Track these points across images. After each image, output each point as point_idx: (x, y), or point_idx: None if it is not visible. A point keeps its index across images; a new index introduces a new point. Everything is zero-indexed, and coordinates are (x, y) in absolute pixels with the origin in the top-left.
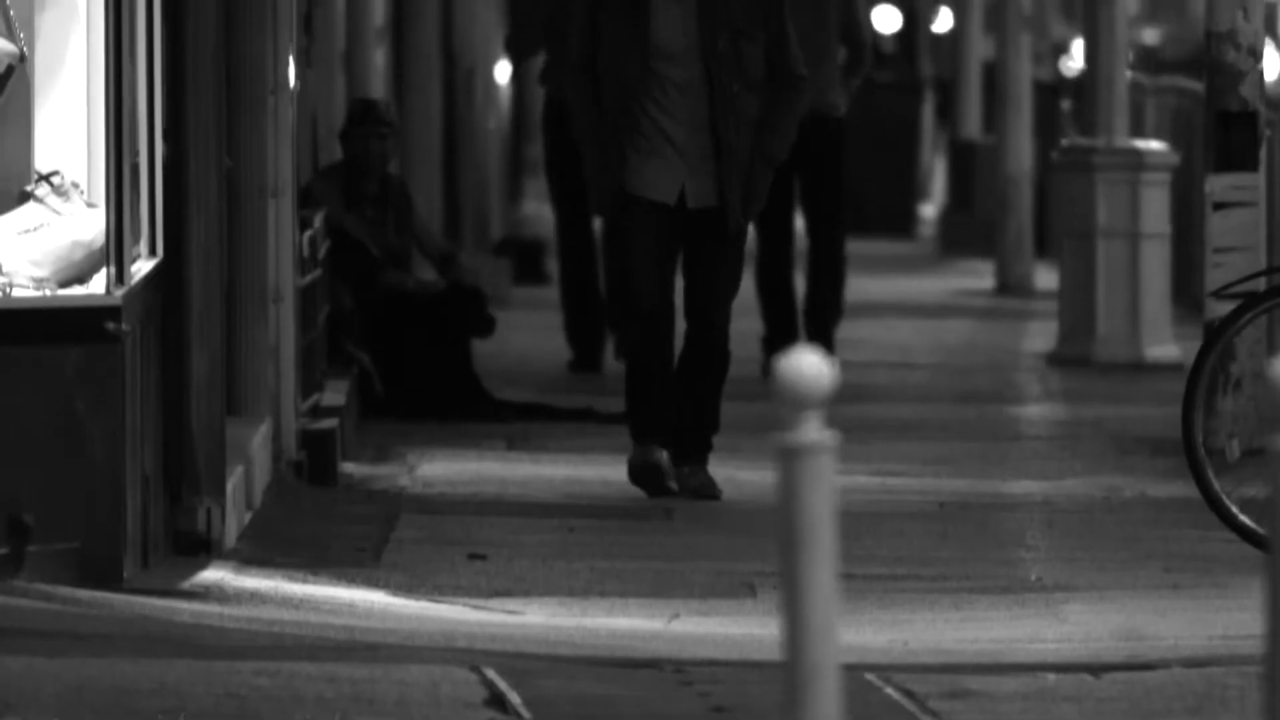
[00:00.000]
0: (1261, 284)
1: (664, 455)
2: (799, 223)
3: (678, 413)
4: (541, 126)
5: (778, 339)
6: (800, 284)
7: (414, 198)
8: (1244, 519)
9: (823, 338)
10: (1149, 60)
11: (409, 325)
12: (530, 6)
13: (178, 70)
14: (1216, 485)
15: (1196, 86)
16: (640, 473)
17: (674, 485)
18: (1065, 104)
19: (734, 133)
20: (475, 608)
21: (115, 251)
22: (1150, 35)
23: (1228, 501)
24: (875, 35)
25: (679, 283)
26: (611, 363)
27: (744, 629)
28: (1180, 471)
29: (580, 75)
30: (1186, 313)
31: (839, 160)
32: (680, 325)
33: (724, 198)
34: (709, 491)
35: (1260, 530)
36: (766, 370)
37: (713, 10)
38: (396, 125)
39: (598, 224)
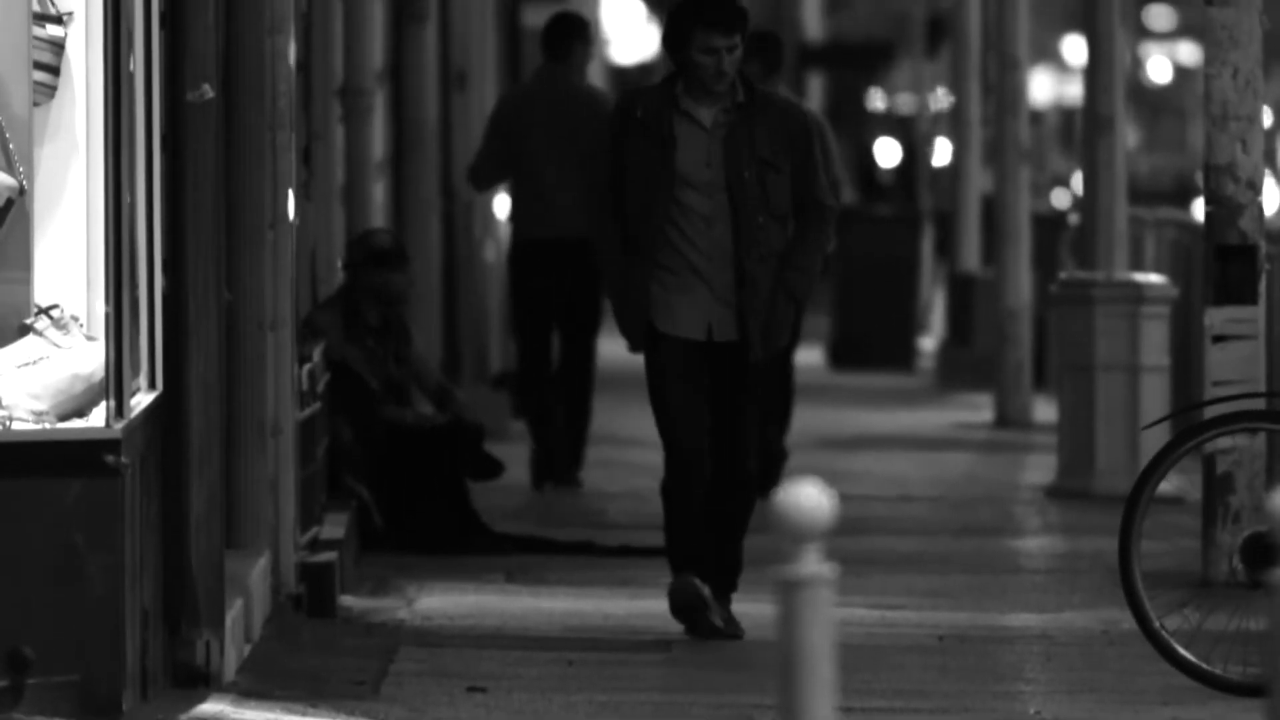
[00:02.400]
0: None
1: (705, 588)
2: None
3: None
4: (507, 259)
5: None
6: None
7: (413, 331)
8: (1181, 650)
9: (770, 480)
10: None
11: (408, 459)
12: (495, 143)
13: (177, 204)
14: (1155, 619)
15: (1196, 220)
16: (682, 608)
17: (718, 621)
18: (1065, 237)
19: (757, 264)
20: None
21: (115, 385)
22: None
23: (1166, 634)
24: (874, 167)
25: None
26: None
27: None
28: (1179, 604)
29: (604, 206)
30: None
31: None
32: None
33: (744, 330)
34: (730, 630)
35: (1194, 659)
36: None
37: (739, 141)
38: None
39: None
